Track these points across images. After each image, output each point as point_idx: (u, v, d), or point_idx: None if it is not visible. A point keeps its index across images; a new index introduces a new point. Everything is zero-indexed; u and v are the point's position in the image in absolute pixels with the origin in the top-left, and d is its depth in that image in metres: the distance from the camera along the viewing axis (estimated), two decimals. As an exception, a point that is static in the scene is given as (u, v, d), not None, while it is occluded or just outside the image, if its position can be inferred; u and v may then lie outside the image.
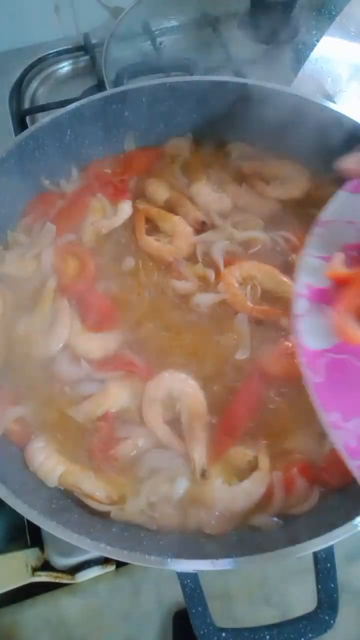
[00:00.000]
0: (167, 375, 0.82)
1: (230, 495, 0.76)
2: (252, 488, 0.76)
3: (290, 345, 0.85)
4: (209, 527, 0.75)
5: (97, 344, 0.87)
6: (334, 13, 1.30)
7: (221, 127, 1.06)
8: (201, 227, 0.98)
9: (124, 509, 0.76)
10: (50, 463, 0.78)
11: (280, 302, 0.89)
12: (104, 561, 0.89)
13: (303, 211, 1.00)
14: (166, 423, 0.81)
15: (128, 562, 0.66)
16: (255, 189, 1.03)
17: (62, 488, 0.79)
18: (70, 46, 1.49)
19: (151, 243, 0.97)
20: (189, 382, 0.82)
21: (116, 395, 0.82)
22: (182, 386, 0.82)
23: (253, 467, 0.78)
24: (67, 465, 0.78)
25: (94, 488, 0.77)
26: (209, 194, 1.01)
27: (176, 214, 0.99)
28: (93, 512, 0.77)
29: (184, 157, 1.07)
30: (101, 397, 0.82)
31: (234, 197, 1.01)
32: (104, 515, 0.76)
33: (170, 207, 1.01)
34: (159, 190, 1.02)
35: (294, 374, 0.83)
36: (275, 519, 0.76)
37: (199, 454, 0.78)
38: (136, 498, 0.76)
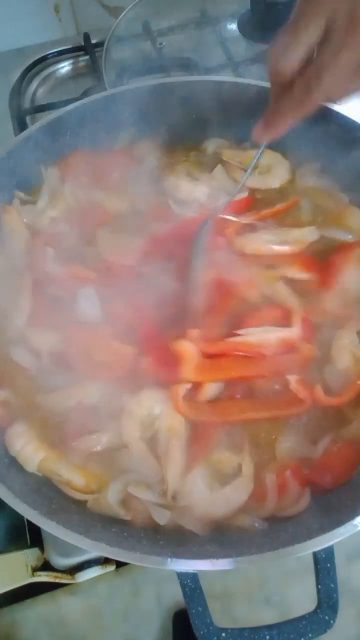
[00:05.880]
0: (149, 392, 0.80)
1: (210, 500, 0.74)
2: (232, 494, 0.74)
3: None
4: (186, 524, 0.73)
5: (44, 339, 0.85)
6: (334, 13, 1.30)
7: (221, 127, 1.06)
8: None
9: (99, 500, 0.75)
10: (30, 448, 0.76)
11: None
12: (104, 561, 0.89)
13: (281, 201, 1.01)
14: (143, 440, 0.78)
15: (128, 562, 0.66)
16: (231, 175, 1.03)
17: (40, 474, 0.77)
18: (70, 46, 1.49)
19: None
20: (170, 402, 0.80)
21: (87, 389, 0.81)
22: (163, 405, 0.79)
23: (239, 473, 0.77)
24: (47, 451, 0.77)
25: (72, 475, 0.76)
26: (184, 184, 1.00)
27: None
28: (93, 513, 0.76)
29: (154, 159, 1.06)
30: (72, 388, 0.81)
31: (208, 186, 1.00)
32: (104, 516, 0.76)
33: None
34: None
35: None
36: (261, 521, 0.75)
37: (172, 476, 0.74)
38: (110, 491, 0.75)
